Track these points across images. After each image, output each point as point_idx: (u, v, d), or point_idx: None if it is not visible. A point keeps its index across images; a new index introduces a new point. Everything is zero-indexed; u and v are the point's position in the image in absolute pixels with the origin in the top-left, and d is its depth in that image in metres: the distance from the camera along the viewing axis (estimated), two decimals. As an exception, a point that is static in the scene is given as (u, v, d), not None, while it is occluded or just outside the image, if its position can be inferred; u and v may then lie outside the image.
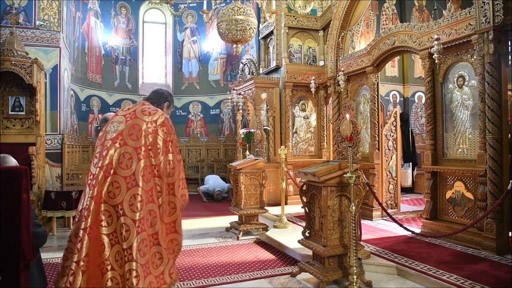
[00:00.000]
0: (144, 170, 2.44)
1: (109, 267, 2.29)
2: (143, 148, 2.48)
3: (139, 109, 2.64)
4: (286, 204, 6.21)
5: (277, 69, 8.29)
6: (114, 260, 2.31)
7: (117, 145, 2.46)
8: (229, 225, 6.00)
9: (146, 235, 2.39)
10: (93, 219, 2.33)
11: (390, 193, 6.37)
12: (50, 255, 4.65)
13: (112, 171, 2.39)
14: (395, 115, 6.53)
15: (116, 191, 2.37)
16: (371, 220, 5.83)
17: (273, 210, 6.51)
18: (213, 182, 9.42)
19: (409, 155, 8.47)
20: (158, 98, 2.86)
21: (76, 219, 2.45)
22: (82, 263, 2.28)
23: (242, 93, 8.55)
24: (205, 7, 5.62)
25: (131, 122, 2.54)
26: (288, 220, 5.80)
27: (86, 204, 2.36)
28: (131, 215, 2.34)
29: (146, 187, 2.43)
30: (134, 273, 2.26)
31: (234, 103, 9.13)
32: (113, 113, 2.85)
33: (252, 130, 6.59)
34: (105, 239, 2.31)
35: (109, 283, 2.28)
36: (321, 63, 8.00)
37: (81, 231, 2.31)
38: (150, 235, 2.43)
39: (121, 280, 2.30)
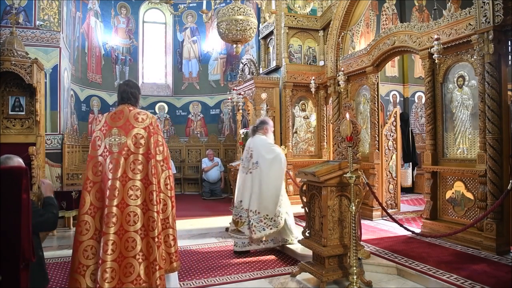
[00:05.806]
0: (154, 169, 2.82)
1: (141, 259, 2.67)
2: (151, 151, 2.84)
3: (130, 116, 2.90)
4: (286, 204, 6.19)
5: (277, 69, 8.29)
6: (146, 250, 2.70)
7: (125, 155, 2.79)
8: (229, 225, 5.99)
9: (161, 224, 2.81)
10: (120, 223, 2.68)
11: (390, 193, 6.37)
12: (50, 255, 4.66)
13: (127, 178, 2.76)
14: (395, 115, 6.53)
15: (137, 193, 2.76)
16: (371, 220, 5.83)
17: (273, 210, 6.49)
18: (213, 174, 9.85)
19: (409, 155, 8.47)
20: (135, 96, 3.08)
21: (81, 229, 2.70)
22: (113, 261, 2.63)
23: (242, 93, 8.54)
24: (204, 7, 5.62)
25: (131, 133, 2.84)
26: (288, 220, 5.79)
27: (111, 212, 2.65)
28: (152, 208, 2.74)
29: (157, 182, 2.83)
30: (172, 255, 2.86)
31: (234, 103, 9.11)
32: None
33: (252, 130, 6.57)
34: (137, 236, 2.69)
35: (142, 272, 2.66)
36: (321, 63, 7.99)
37: (112, 235, 2.62)
38: (162, 219, 2.84)
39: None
